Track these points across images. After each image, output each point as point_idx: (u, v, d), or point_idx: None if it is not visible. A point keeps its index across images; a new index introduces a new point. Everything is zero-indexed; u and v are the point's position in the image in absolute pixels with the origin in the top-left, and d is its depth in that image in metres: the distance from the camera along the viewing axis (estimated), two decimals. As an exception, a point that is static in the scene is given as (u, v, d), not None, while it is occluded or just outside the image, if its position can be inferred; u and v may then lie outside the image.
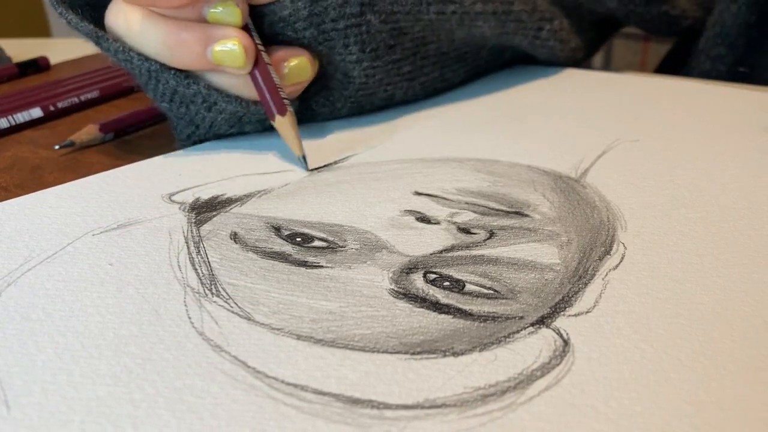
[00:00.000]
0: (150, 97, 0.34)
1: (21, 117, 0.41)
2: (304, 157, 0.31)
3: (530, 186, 0.28)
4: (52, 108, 0.43)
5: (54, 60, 0.58)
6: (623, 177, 0.29)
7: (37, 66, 0.56)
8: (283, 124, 0.32)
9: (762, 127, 0.34)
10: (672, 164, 0.30)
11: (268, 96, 0.32)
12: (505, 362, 0.18)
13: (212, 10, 0.30)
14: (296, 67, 0.33)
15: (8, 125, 0.40)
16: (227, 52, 0.30)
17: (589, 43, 0.47)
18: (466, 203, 0.27)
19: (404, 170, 0.30)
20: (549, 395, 0.17)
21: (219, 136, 0.35)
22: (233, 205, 0.27)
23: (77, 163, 0.35)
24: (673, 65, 0.53)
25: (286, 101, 0.32)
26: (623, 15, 0.46)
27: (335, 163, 0.32)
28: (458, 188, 0.28)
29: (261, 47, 0.32)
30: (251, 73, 0.31)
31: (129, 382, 0.18)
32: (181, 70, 0.31)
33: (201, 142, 0.35)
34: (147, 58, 0.31)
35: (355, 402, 0.17)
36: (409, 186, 0.29)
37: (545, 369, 0.18)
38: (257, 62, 0.31)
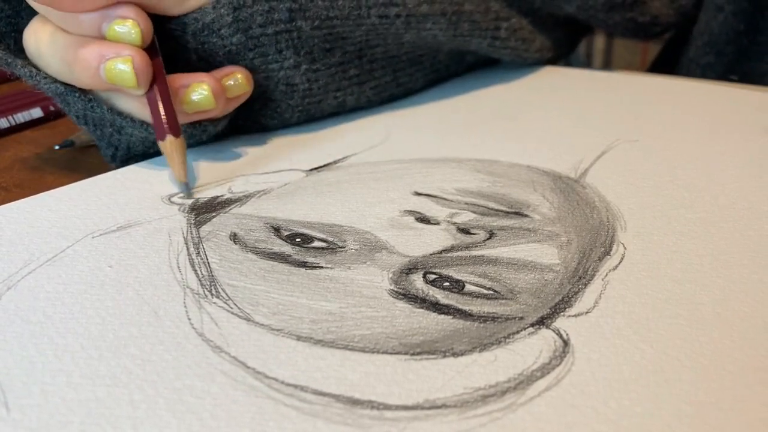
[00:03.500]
0: (73, 121, 0.33)
1: (21, 117, 0.41)
2: (186, 185, 0.30)
3: (530, 186, 0.28)
4: (52, 108, 0.42)
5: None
6: (623, 177, 0.29)
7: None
8: (173, 146, 0.30)
9: (762, 127, 0.34)
10: (672, 164, 0.30)
11: (161, 116, 0.30)
12: (505, 363, 0.18)
13: (111, 26, 0.29)
14: (198, 95, 0.31)
15: (8, 125, 0.40)
16: (118, 72, 0.29)
17: (557, 43, 0.46)
18: (466, 203, 0.27)
19: (404, 170, 0.30)
20: (549, 396, 0.17)
21: (147, 156, 0.34)
22: (233, 206, 0.27)
23: (77, 163, 0.35)
24: (661, 70, 0.53)
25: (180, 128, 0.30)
26: (584, 19, 0.45)
27: (334, 162, 0.32)
28: (458, 188, 0.28)
29: (164, 72, 0.30)
30: (147, 95, 0.30)
31: (129, 383, 0.18)
32: (86, 93, 0.30)
33: (129, 162, 0.34)
34: (54, 80, 0.30)
35: (355, 402, 0.17)
36: (409, 186, 0.29)
37: (545, 369, 0.18)
38: (156, 83, 0.30)
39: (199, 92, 0.31)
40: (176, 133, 0.30)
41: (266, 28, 0.32)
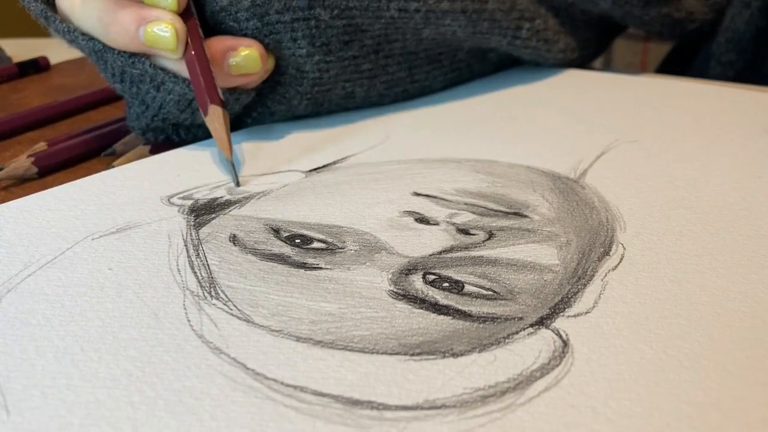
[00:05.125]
0: (104, 77, 0.34)
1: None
2: (233, 164, 0.30)
3: (529, 187, 0.28)
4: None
5: (54, 60, 0.58)
6: (622, 177, 0.29)
7: (37, 66, 0.56)
8: (215, 117, 0.31)
9: (762, 128, 0.34)
10: (671, 165, 0.30)
11: (201, 84, 0.31)
12: (505, 363, 0.18)
13: None
14: (246, 57, 0.32)
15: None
16: (159, 35, 0.30)
17: (584, 44, 0.45)
18: (465, 204, 0.27)
19: (403, 171, 0.30)
20: (548, 396, 0.17)
21: (177, 126, 0.35)
22: (232, 207, 0.27)
23: (77, 162, 0.35)
24: (675, 66, 0.52)
25: (222, 96, 0.31)
26: (620, 16, 0.44)
27: (333, 163, 0.32)
28: (457, 189, 0.28)
29: (202, 35, 0.31)
30: (186, 60, 0.31)
31: (128, 385, 0.18)
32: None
33: (151, 128, 0.34)
34: (91, 38, 0.31)
35: (355, 403, 0.17)
36: (408, 187, 0.29)
37: (545, 370, 0.18)
38: (192, 50, 0.31)
39: (247, 54, 0.32)
40: (216, 100, 0.31)
41: (283, 14, 0.32)
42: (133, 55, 0.31)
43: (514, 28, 0.39)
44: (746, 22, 0.44)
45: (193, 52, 0.31)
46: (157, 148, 0.35)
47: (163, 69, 0.31)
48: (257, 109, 0.36)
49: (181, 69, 0.31)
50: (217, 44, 0.32)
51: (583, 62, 0.47)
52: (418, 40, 0.37)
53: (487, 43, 0.40)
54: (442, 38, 0.38)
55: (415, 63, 0.39)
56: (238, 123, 0.36)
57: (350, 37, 0.35)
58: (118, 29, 0.30)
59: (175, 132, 0.35)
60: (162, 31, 0.30)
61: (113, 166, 0.33)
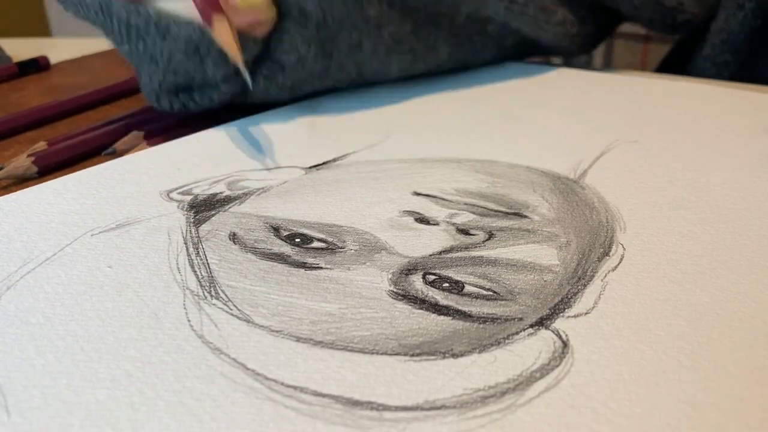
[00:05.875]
0: (116, 46, 0.34)
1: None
2: (240, 66, 0.31)
3: (529, 187, 0.28)
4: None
5: (54, 60, 0.58)
6: (622, 178, 0.29)
7: (37, 65, 0.56)
8: (221, 27, 0.30)
9: (762, 128, 0.34)
10: (671, 165, 0.30)
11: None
12: (505, 364, 0.18)
13: None
14: None
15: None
16: None
17: (582, 20, 0.45)
18: (465, 204, 0.27)
19: (403, 170, 0.30)
20: (548, 397, 0.17)
21: (189, 87, 0.34)
22: (232, 204, 0.27)
23: (77, 162, 0.35)
24: (673, 67, 0.52)
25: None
26: (611, 3, 0.44)
27: (333, 160, 0.32)
28: (457, 189, 0.28)
29: None
30: None
31: (129, 386, 0.18)
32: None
33: (164, 89, 0.34)
34: None
35: (355, 403, 0.17)
36: (408, 186, 0.29)
37: (544, 370, 0.18)
38: None
39: None
40: (219, 9, 0.30)
41: None
42: (136, 2, 0.31)
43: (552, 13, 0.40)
44: (740, 22, 0.44)
45: None
46: (154, 144, 0.35)
47: (166, 13, 0.31)
48: (266, 64, 0.36)
49: (187, 7, 0.31)
50: None
51: (584, 46, 0.47)
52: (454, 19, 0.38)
53: (484, 6, 0.40)
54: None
55: (418, 19, 0.39)
56: (250, 82, 0.35)
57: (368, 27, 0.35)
58: None
59: (190, 97, 0.35)
60: None
61: (113, 150, 0.34)
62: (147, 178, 0.30)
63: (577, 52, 0.48)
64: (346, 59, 0.38)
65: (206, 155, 0.32)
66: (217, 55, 0.33)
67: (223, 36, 0.31)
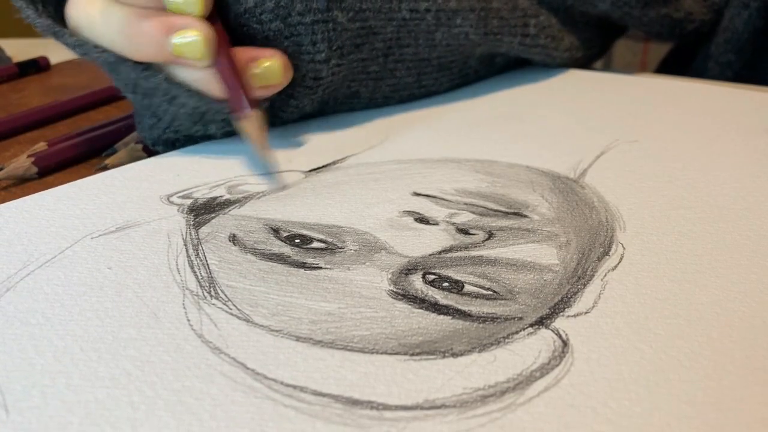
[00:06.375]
0: (117, 87, 0.33)
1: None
2: (269, 162, 0.30)
3: (529, 186, 0.28)
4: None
5: (54, 60, 0.58)
6: (622, 177, 0.29)
7: (37, 66, 0.56)
8: (250, 121, 0.30)
9: (762, 128, 0.34)
10: (671, 165, 0.30)
11: (234, 89, 0.30)
12: (505, 363, 0.18)
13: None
14: (267, 68, 0.32)
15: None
16: (188, 44, 0.29)
17: (587, 44, 0.45)
18: (465, 204, 0.27)
19: (403, 171, 0.30)
20: (548, 396, 0.17)
21: (189, 138, 0.34)
22: (232, 207, 0.27)
23: (77, 162, 0.35)
24: (674, 67, 0.52)
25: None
26: (618, 17, 0.44)
27: (333, 163, 0.32)
28: (457, 189, 0.28)
29: (228, 40, 0.31)
30: (217, 67, 0.30)
31: (128, 385, 0.18)
32: (139, 62, 0.30)
33: (163, 140, 0.34)
34: (104, 50, 0.30)
35: (355, 403, 0.17)
36: (408, 187, 0.29)
37: (544, 370, 0.18)
38: (222, 55, 0.30)
39: (269, 65, 0.32)
40: (252, 105, 0.30)
41: (304, 16, 0.32)
42: (147, 68, 0.30)
43: (522, 25, 0.40)
44: (745, 22, 0.44)
45: (221, 60, 0.30)
46: (149, 147, 0.35)
47: (176, 83, 0.31)
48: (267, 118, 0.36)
49: (199, 80, 0.31)
50: (239, 54, 0.31)
51: (586, 63, 0.47)
52: (432, 46, 0.38)
53: (498, 46, 0.40)
54: (456, 44, 0.38)
55: (426, 70, 0.39)
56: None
57: (362, 40, 0.35)
58: (143, 41, 0.29)
59: (188, 144, 0.35)
60: (191, 40, 0.29)
61: (105, 165, 0.33)
62: (147, 185, 0.30)
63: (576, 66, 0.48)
64: (341, 106, 0.38)
65: (206, 162, 0.32)
66: (221, 121, 0.33)
67: (252, 131, 0.31)
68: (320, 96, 0.36)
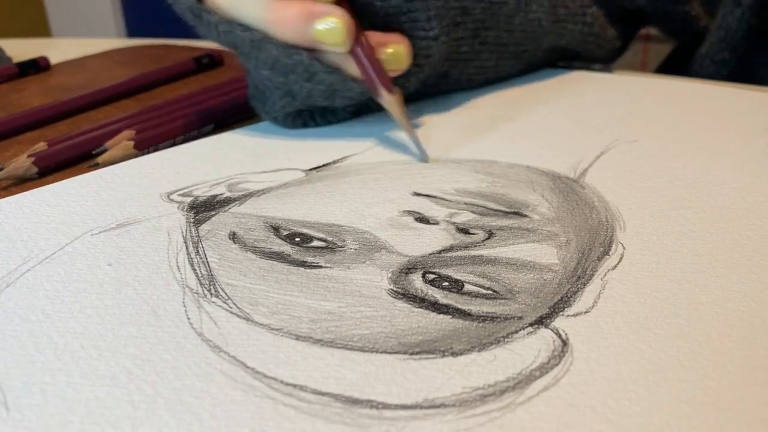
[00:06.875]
0: (249, 66, 0.34)
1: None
2: (416, 137, 0.32)
3: (529, 186, 0.28)
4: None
5: (54, 60, 0.58)
6: (622, 177, 0.29)
7: (37, 66, 0.56)
8: (391, 102, 0.32)
9: (762, 128, 0.34)
10: (671, 164, 0.30)
11: (373, 74, 0.32)
12: (504, 362, 0.18)
13: None
14: (393, 54, 0.33)
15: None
16: (329, 30, 0.30)
17: (621, 38, 0.48)
18: (465, 203, 0.27)
19: (403, 171, 0.30)
20: (548, 395, 0.17)
21: (312, 113, 0.36)
22: (232, 205, 0.27)
23: (77, 162, 0.35)
24: (673, 69, 0.53)
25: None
26: (651, 12, 0.47)
27: (334, 162, 0.32)
28: (457, 189, 0.28)
29: (359, 24, 0.32)
30: (353, 52, 0.32)
31: (128, 383, 0.18)
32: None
33: (290, 115, 0.36)
34: (249, 28, 0.31)
35: (354, 402, 0.17)
36: (408, 186, 0.29)
37: (544, 369, 0.18)
38: (358, 41, 0.31)
39: (395, 51, 0.33)
40: (391, 88, 0.32)
41: None
42: (290, 45, 0.31)
43: (581, 14, 0.43)
44: (738, 20, 0.45)
45: (359, 45, 0.31)
46: (141, 143, 0.35)
47: (317, 60, 0.32)
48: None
49: (336, 59, 0.32)
50: (369, 38, 0.32)
51: (614, 58, 0.50)
52: (510, 31, 0.40)
53: (563, 34, 0.43)
54: (530, 30, 0.41)
55: (504, 55, 0.41)
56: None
57: (460, 18, 0.37)
58: (285, 27, 0.31)
59: (311, 118, 0.36)
60: (332, 27, 0.30)
61: (97, 164, 0.33)
62: (148, 182, 0.30)
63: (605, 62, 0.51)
64: (430, 88, 0.39)
65: (207, 159, 0.32)
66: (349, 96, 0.34)
67: (394, 108, 0.32)
68: (425, 76, 0.37)
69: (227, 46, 0.33)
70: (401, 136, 0.35)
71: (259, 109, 0.37)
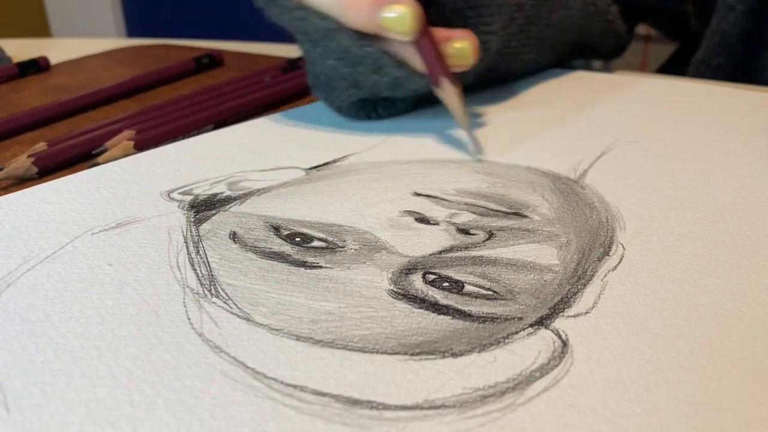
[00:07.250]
0: (314, 55, 0.35)
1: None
2: (471, 132, 0.32)
3: (529, 187, 0.28)
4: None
5: (54, 60, 0.58)
6: (622, 178, 0.29)
7: (37, 66, 0.56)
8: (450, 93, 0.33)
9: (762, 128, 0.34)
10: (671, 165, 0.30)
11: (435, 64, 0.32)
12: (504, 363, 0.18)
13: None
14: (461, 49, 0.33)
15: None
16: (397, 18, 0.31)
17: (630, 32, 0.49)
18: (465, 204, 0.27)
19: (403, 171, 0.30)
20: (548, 396, 0.17)
21: (375, 104, 0.37)
22: (232, 204, 0.27)
23: (77, 162, 0.35)
24: (672, 73, 0.53)
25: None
26: (656, 8, 0.49)
27: (334, 162, 0.32)
28: (457, 189, 0.28)
29: (425, 18, 0.32)
30: (418, 42, 0.32)
31: (128, 384, 0.18)
32: (356, 32, 0.32)
33: (353, 105, 0.36)
34: (325, 17, 0.32)
35: (355, 403, 0.17)
36: (409, 186, 0.29)
37: (544, 370, 0.18)
38: (424, 32, 0.32)
39: (461, 46, 0.33)
40: (452, 79, 0.33)
41: None
42: (363, 36, 0.32)
43: (605, 11, 0.44)
44: (732, 24, 0.46)
45: (423, 36, 0.32)
46: (141, 143, 0.35)
47: (386, 53, 0.32)
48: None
49: (403, 53, 0.33)
50: (435, 33, 0.33)
51: (618, 54, 0.51)
52: (548, 26, 0.41)
53: (589, 29, 0.44)
54: (564, 25, 0.42)
55: (542, 49, 0.42)
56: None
57: (515, 14, 0.38)
58: (355, 11, 0.31)
59: (374, 109, 0.37)
60: (400, 14, 0.31)
61: (98, 163, 0.33)
62: (148, 179, 0.30)
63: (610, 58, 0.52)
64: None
65: (207, 157, 0.32)
66: (412, 90, 0.35)
67: (450, 99, 0.33)
68: (481, 70, 0.37)
69: (296, 32, 0.34)
70: (402, 134, 0.35)
71: (323, 98, 0.37)
